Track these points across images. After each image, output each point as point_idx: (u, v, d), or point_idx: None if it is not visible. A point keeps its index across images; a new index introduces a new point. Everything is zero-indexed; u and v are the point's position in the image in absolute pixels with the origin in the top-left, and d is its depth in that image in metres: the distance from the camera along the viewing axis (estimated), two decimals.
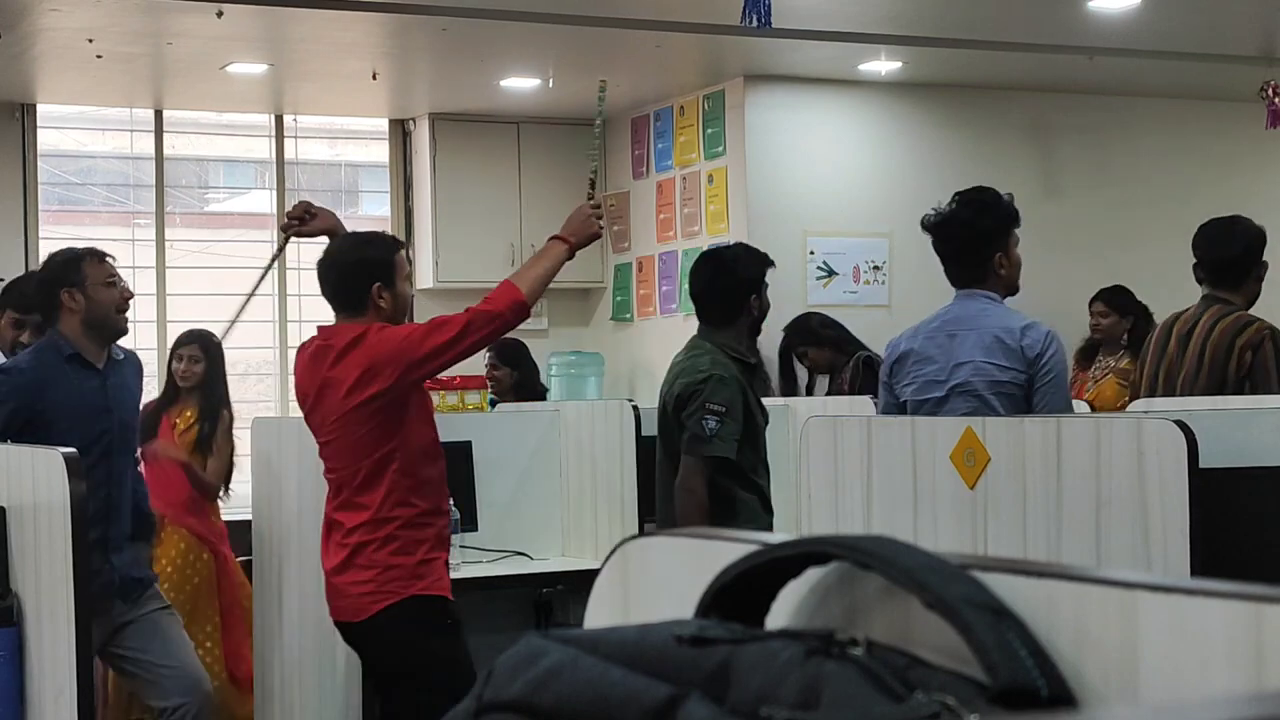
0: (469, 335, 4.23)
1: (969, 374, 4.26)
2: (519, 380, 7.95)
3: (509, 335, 5.02)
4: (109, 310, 4.70)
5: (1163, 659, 0.90)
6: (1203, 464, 2.75)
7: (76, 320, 4.67)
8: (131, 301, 4.84)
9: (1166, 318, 5.61)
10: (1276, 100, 8.69)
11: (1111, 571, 0.96)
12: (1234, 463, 2.96)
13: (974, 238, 4.45)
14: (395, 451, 4.22)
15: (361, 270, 4.36)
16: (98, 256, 4.76)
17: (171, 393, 6.48)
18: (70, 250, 4.83)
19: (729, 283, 4.90)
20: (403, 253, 4.54)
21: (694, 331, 5.00)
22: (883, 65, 8.79)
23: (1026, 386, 4.20)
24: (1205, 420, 2.94)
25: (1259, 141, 9.26)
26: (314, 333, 4.47)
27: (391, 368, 4.18)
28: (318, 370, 4.31)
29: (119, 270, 4.89)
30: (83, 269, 4.70)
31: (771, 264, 5.00)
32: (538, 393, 7.99)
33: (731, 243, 5.87)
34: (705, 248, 9.42)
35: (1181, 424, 2.77)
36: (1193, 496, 2.73)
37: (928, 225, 4.60)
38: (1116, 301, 7.68)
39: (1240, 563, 2.82)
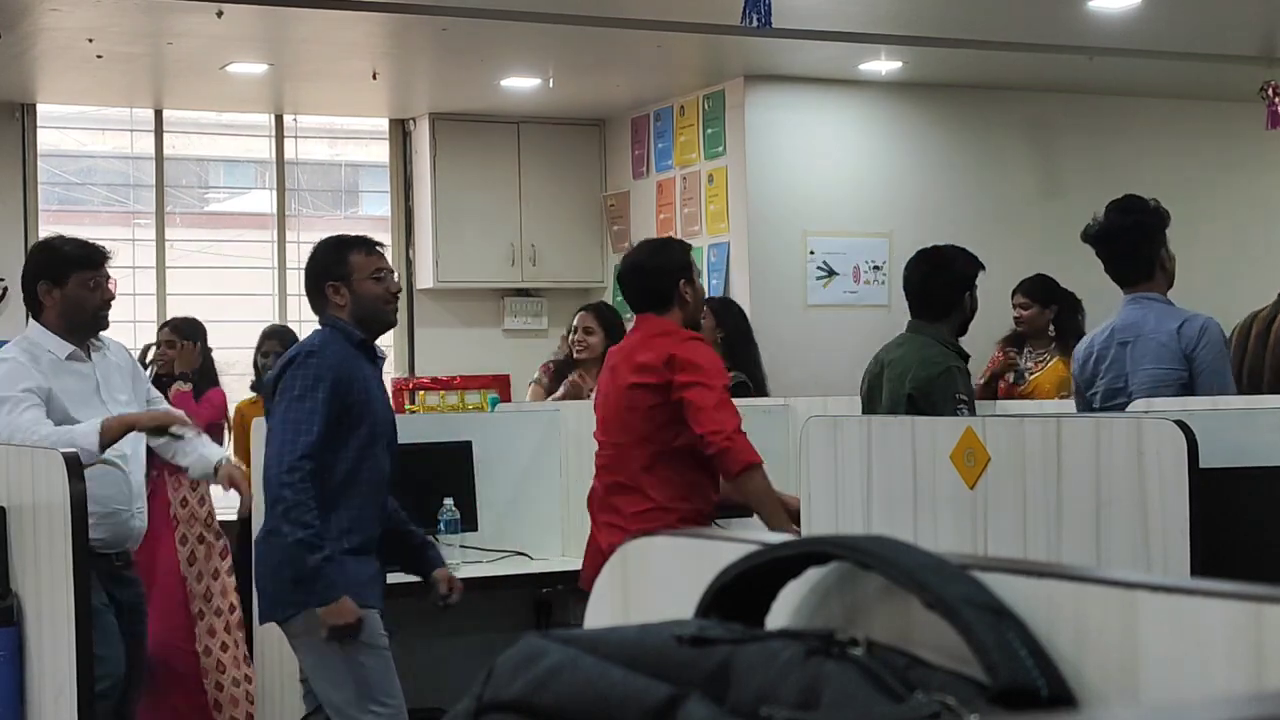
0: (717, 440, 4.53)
1: (1143, 381, 4.63)
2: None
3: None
4: (378, 304, 4.48)
5: (1163, 659, 0.90)
6: (1203, 464, 2.75)
7: (346, 314, 4.44)
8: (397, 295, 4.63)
9: (1245, 316, 5.69)
10: (1276, 100, 8.69)
11: (1111, 571, 0.96)
12: (1234, 463, 2.96)
13: (1138, 242, 4.83)
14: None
15: (666, 271, 4.72)
16: (366, 247, 4.53)
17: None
18: (337, 239, 4.60)
19: (947, 279, 5.11)
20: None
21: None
22: (883, 65, 8.79)
23: (1190, 380, 4.65)
24: (1205, 420, 2.94)
25: (1259, 141, 9.25)
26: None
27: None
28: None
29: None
30: (350, 261, 4.49)
31: (982, 266, 5.24)
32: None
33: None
34: (708, 246, 9.52)
35: (1181, 424, 2.77)
36: (1193, 496, 2.73)
37: (1090, 236, 4.88)
38: (1038, 293, 7.61)
39: (1240, 563, 2.82)
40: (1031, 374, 7.39)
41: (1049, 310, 7.50)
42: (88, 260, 4.75)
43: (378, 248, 4.55)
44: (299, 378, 4.27)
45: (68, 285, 4.68)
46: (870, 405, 5.15)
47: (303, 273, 4.68)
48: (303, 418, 4.21)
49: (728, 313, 7.17)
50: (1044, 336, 7.48)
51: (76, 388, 4.67)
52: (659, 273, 4.73)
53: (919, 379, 4.92)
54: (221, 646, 6.27)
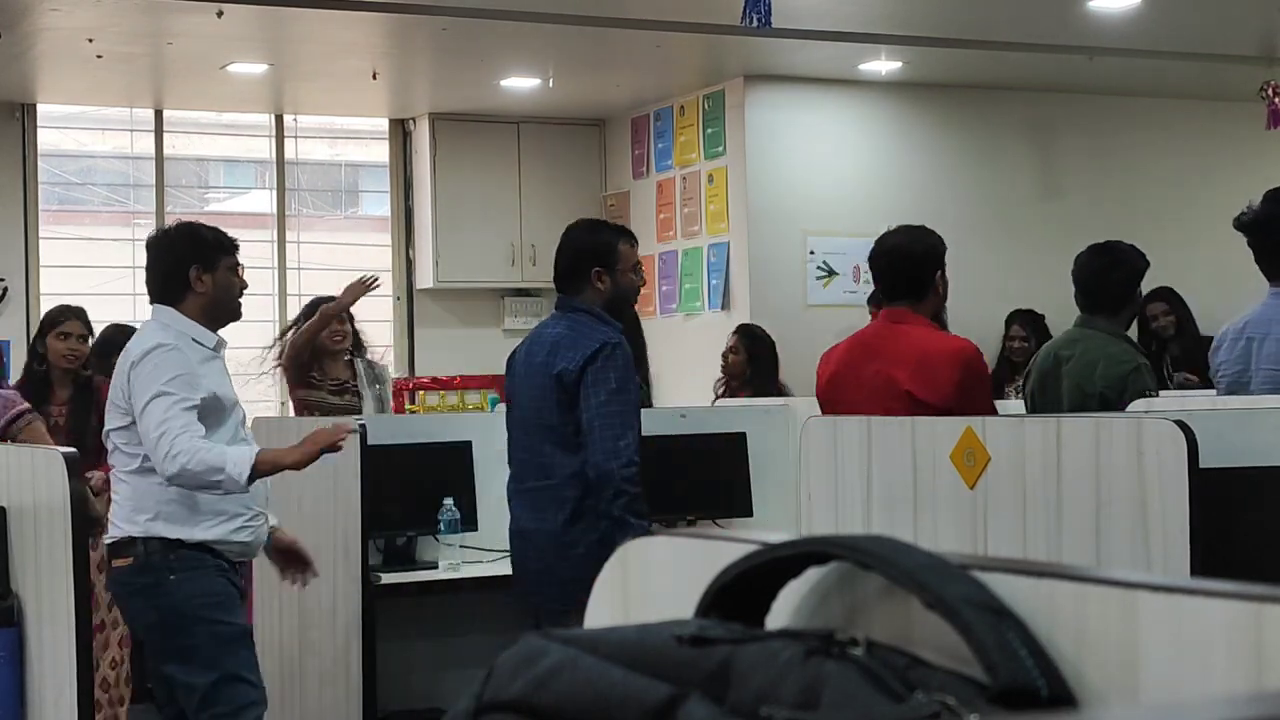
0: None
1: (1261, 382, 4.47)
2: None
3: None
4: (630, 295, 4.53)
5: (1163, 659, 0.90)
6: (1203, 464, 2.75)
7: (601, 299, 4.44)
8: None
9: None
10: (1276, 100, 8.69)
11: (1111, 571, 0.96)
12: (1234, 463, 2.96)
13: None
14: None
15: (928, 259, 4.40)
16: (631, 239, 4.53)
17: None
18: (607, 226, 4.60)
19: (1121, 274, 5.04)
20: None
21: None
22: (883, 65, 8.79)
23: None
24: (1205, 420, 2.93)
25: (1259, 141, 9.25)
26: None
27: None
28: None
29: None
30: (619, 251, 4.48)
31: (1148, 264, 5.15)
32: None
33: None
34: (708, 246, 9.52)
35: (1181, 424, 2.77)
36: (1193, 496, 2.72)
37: (1243, 224, 4.67)
38: (1034, 326, 7.84)
39: (1240, 563, 2.82)
40: None
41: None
42: (232, 245, 4.47)
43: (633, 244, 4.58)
44: (612, 369, 4.27)
45: (218, 271, 4.35)
46: (1044, 401, 5.01)
47: (557, 251, 4.60)
48: (627, 409, 4.25)
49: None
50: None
51: (222, 387, 4.29)
52: (923, 259, 4.43)
53: (1110, 376, 4.84)
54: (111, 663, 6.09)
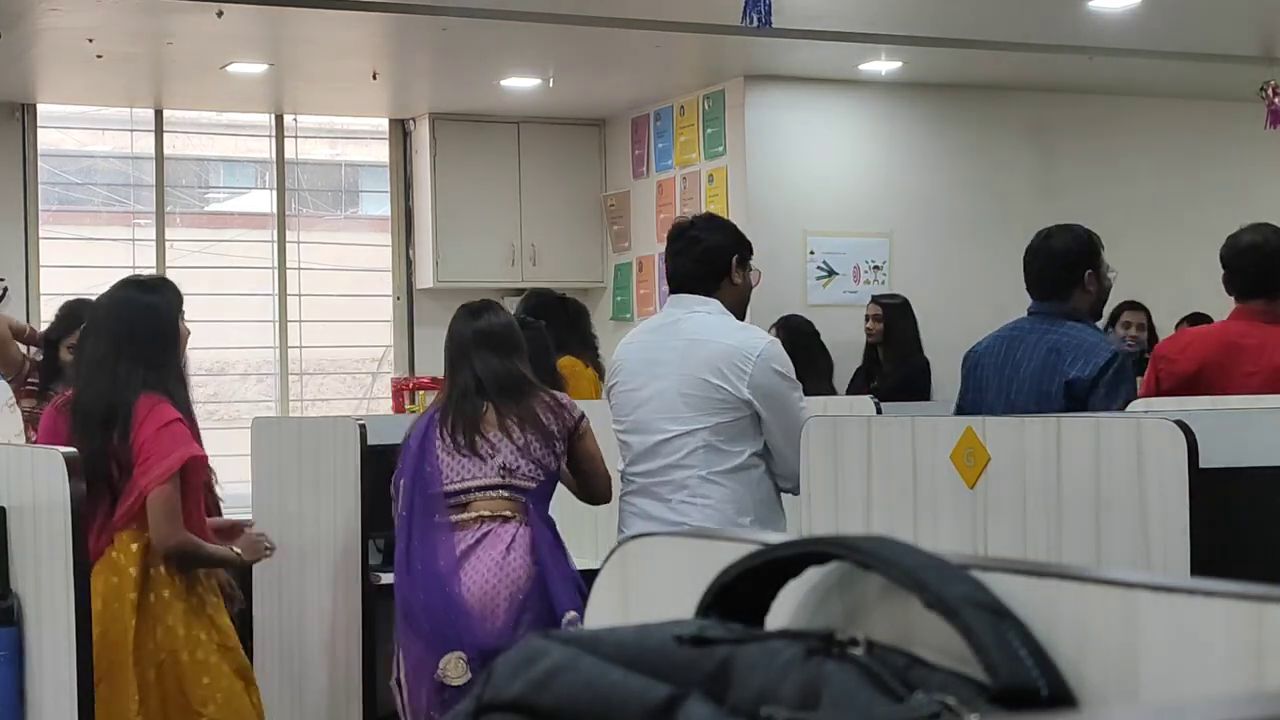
0: None
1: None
2: None
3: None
4: (1106, 298, 4.78)
5: (1163, 659, 0.90)
6: (1203, 464, 2.74)
7: (1086, 304, 4.65)
8: None
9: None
10: (1276, 100, 8.69)
11: (1111, 571, 0.96)
12: (1234, 463, 2.96)
13: None
14: None
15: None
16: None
17: None
18: (1089, 232, 4.68)
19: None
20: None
21: None
22: (883, 65, 8.79)
23: None
24: (1205, 420, 2.93)
25: (1259, 141, 9.25)
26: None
27: None
28: None
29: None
30: (1101, 255, 4.63)
31: None
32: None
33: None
34: None
35: (1181, 424, 2.77)
36: (1193, 496, 2.72)
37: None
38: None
39: (1240, 563, 2.81)
40: None
41: None
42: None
43: None
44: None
45: (749, 269, 4.45)
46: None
47: (1050, 255, 4.67)
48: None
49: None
50: None
51: None
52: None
53: None
54: None
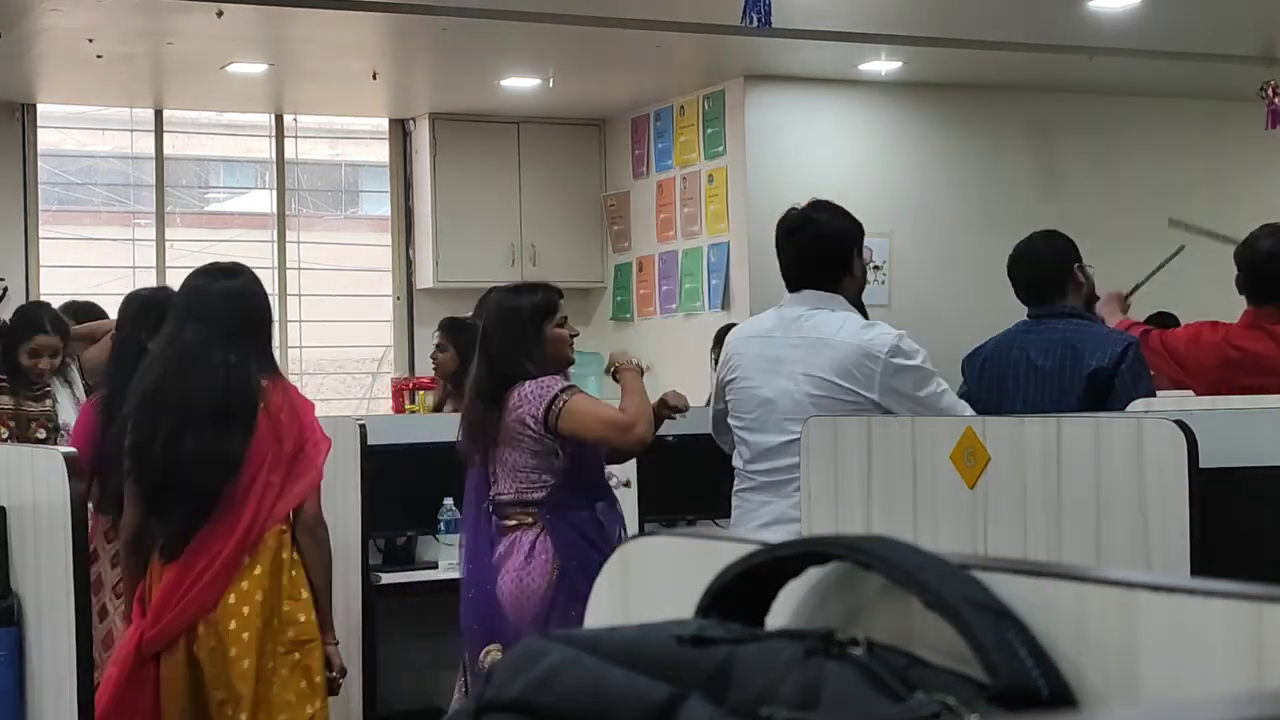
0: None
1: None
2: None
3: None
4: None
5: (1163, 659, 0.90)
6: (1203, 464, 2.74)
7: (1079, 299, 4.71)
8: None
9: None
10: (1276, 100, 8.69)
11: (1111, 571, 0.96)
12: (1234, 463, 2.96)
13: None
14: None
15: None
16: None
17: None
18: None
19: None
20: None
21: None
22: (883, 65, 8.79)
23: None
24: (1205, 420, 2.93)
25: (1259, 141, 9.26)
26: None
27: None
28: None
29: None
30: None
31: None
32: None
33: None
34: (708, 246, 9.51)
35: (1181, 424, 2.77)
36: (1193, 496, 2.72)
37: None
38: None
39: (1240, 563, 2.81)
40: None
41: None
42: None
43: None
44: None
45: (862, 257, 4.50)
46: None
47: (1037, 258, 4.77)
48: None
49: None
50: None
51: None
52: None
53: None
54: None
